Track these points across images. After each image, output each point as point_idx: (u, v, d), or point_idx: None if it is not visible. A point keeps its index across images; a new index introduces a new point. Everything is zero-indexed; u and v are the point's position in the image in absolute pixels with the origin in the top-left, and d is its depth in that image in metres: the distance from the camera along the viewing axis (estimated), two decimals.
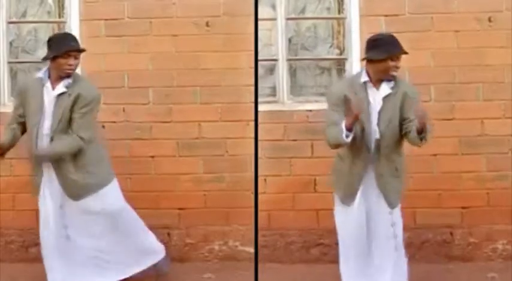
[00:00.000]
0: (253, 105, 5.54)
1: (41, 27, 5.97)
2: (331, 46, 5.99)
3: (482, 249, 5.71)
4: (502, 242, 5.69)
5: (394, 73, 4.52)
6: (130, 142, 5.65)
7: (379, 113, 4.51)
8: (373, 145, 4.52)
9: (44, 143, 4.72)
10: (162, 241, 5.49)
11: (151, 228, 5.11)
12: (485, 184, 5.68)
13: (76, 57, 4.71)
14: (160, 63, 5.68)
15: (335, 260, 4.91)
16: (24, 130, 4.85)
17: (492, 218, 5.67)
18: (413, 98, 4.54)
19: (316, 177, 5.72)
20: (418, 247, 5.65)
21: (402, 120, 4.50)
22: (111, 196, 4.89)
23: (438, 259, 5.68)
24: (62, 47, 4.66)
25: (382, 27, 5.66)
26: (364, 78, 4.54)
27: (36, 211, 5.57)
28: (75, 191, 4.77)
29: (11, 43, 5.90)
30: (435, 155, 5.68)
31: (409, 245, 5.48)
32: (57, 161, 4.72)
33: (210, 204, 5.72)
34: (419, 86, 5.53)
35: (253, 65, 5.57)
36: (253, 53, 5.54)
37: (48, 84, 4.73)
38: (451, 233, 5.71)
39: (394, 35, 4.56)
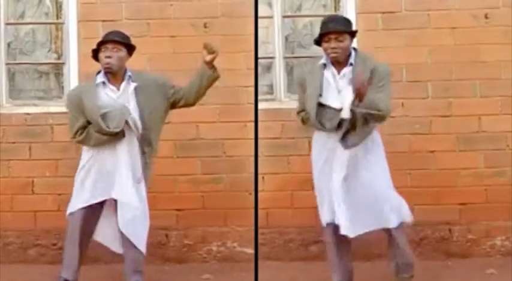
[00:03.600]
0: (251, 106, 5.55)
1: (38, 29, 5.98)
2: None
3: (481, 245, 5.72)
4: (501, 238, 5.71)
5: (333, 54, 4.51)
6: None
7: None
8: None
9: None
10: (160, 242, 5.53)
11: (149, 229, 5.12)
12: (483, 180, 5.70)
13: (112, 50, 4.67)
14: (158, 64, 5.68)
15: None
16: None
17: (490, 215, 5.68)
18: (382, 72, 4.50)
19: None
20: (417, 243, 5.65)
21: None
22: None
23: (437, 255, 5.70)
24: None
25: (378, 24, 5.69)
26: (322, 60, 4.61)
27: (35, 212, 5.65)
28: None
29: (8, 44, 5.91)
30: (433, 151, 5.70)
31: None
32: None
33: (208, 205, 5.73)
34: (416, 83, 5.63)
35: (251, 65, 5.57)
36: (251, 53, 5.53)
37: None
38: (450, 230, 5.73)
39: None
